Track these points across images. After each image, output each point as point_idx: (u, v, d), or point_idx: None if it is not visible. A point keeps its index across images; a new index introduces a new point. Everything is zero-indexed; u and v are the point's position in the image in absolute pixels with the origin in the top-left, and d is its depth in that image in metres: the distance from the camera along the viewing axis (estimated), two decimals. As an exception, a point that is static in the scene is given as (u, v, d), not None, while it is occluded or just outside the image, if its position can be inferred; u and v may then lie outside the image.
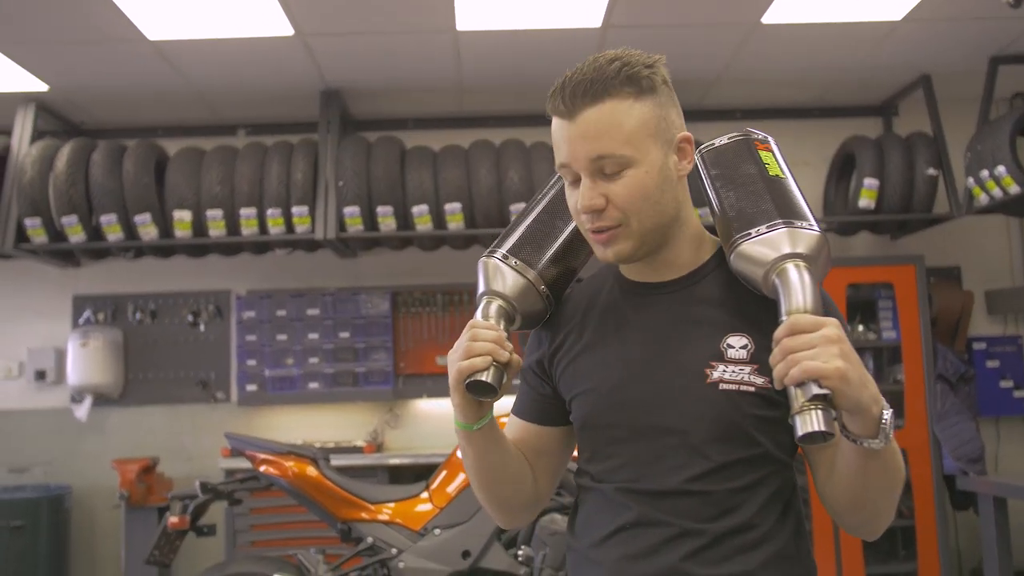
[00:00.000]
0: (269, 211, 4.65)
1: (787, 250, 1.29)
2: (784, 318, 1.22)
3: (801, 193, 1.38)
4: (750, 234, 1.32)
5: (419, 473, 4.78)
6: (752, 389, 1.33)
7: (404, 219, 4.73)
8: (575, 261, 1.53)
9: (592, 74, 1.33)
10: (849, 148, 5.11)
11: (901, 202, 4.88)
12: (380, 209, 4.67)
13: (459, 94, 5.10)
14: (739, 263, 1.34)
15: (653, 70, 1.35)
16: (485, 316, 1.42)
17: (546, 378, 1.53)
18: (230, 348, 5.39)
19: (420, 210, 4.67)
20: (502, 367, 1.33)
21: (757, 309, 1.36)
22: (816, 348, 1.15)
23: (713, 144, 1.48)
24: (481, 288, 1.47)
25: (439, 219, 4.72)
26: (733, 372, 1.34)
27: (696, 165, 1.47)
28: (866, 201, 4.89)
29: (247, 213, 4.66)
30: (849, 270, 4.97)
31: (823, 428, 1.14)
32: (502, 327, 1.41)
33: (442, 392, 5.31)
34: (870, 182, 4.87)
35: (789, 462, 1.40)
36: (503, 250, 1.48)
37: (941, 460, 4.81)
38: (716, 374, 1.34)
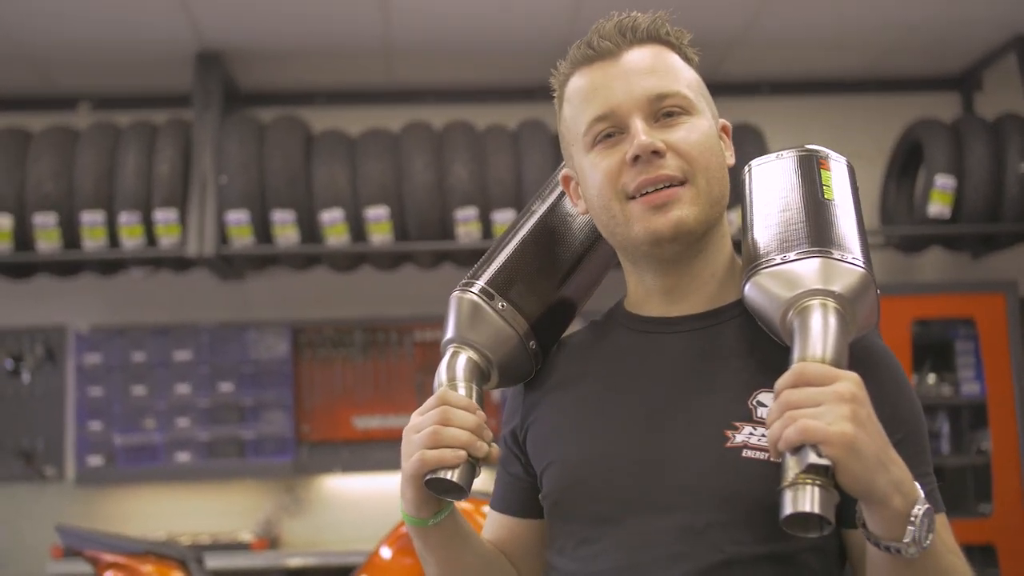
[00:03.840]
0: (123, 217, 4.64)
1: (817, 285, 1.35)
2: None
3: (860, 221, 1.45)
4: (772, 260, 1.40)
5: (329, 579, 4.74)
6: None
7: (310, 229, 4.75)
8: (575, 306, 1.63)
9: (638, 18, 1.52)
10: (915, 135, 5.18)
11: (986, 208, 4.95)
12: (277, 215, 4.68)
13: (386, 59, 5.12)
14: (755, 296, 1.42)
15: (693, 52, 1.57)
16: (452, 378, 1.49)
17: (519, 452, 1.60)
18: (65, 405, 5.36)
19: (332, 217, 4.69)
20: (475, 462, 1.41)
21: None
22: (822, 406, 1.20)
23: (768, 159, 1.56)
24: (450, 332, 1.55)
25: (358, 229, 4.75)
26: (763, 437, 1.36)
27: (742, 181, 1.58)
28: (938, 207, 4.95)
29: (91, 219, 4.64)
30: (915, 300, 5.04)
31: (816, 510, 1.17)
32: (475, 394, 1.48)
33: (361, 466, 5.34)
34: (944, 181, 4.94)
35: (834, 573, 1.42)
36: (485, 284, 1.56)
37: (1044, 560, 4.87)
38: (740, 437, 1.39)
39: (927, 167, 5.02)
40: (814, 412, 1.19)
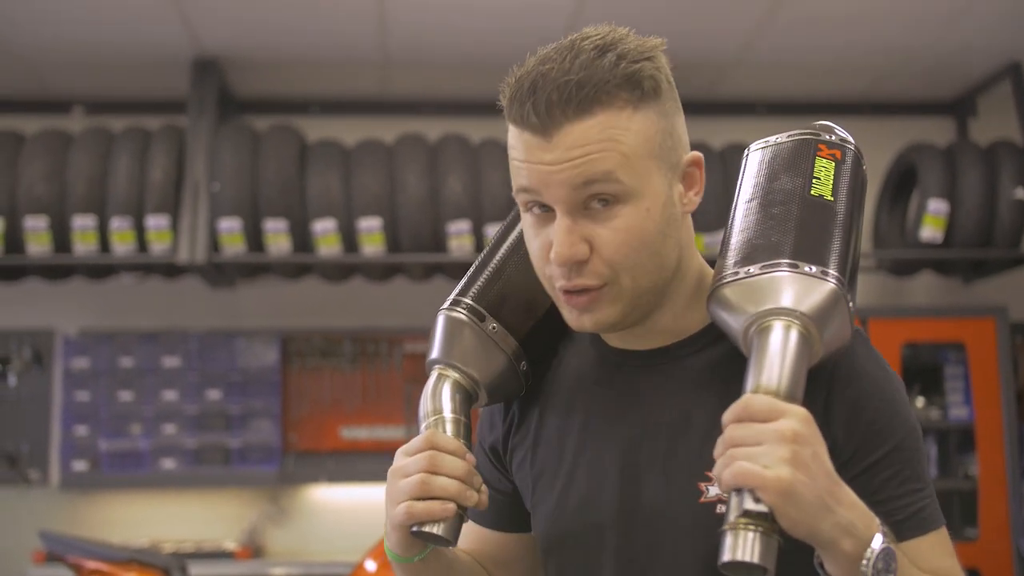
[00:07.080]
0: (114, 222, 4.65)
1: (784, 302, 1.25)
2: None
3: (848, 221, 1.35)
4: (737, 274, 1.30)
5: (312, 591, 4.75)
6: None
7: (302, 238, 4.76)
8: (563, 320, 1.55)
9: (578, 72, 1.28)
10: (909, 159, 5.22)
11: (978, 233, 4.99)
12: (269, 224, 4.70)
13: (382, 70, 5.14)
14: (716, 312, 1.33)
15: (656, 65, 1.33)
16: (438, 410, 1.42)
17: (503, 470, 1.57)
18: (51, 409, 5.36)
19: (324, 227, 4.70)
20: (464, 511, 1.34)
21: None
22: (762, 445, 1.13)
23: (767, 142, 1.45)
24: (436, 352, 1.49)
25: (350, 239, 4.76)
26: None
27: (741, 165, 1.47)
28: (931, 231, 4.99)
29: (83, 224, 4.65)
30: (906, 323, 5.06)
31: (754, 559, 1.12)
32: (463, 429, 1.41)
33: (347, 476, 5.35)
34: (936, 206, 4.97)
35: None
36: (475, 302, 1.47)
37: (1028, 587, 4.88)
38: (714, 490, 1.33)
39: (920, 191, 5.05)
40: (752, 452, 1.13)
